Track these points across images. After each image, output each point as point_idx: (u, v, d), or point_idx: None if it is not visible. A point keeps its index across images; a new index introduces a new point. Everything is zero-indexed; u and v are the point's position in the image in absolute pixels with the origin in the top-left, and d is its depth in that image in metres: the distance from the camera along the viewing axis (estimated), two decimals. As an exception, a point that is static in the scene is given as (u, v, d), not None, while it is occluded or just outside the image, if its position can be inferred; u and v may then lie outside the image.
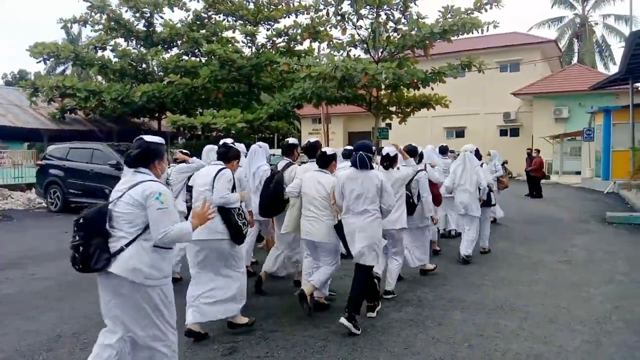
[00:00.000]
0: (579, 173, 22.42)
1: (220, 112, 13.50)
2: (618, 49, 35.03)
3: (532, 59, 27.70)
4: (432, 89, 13.78)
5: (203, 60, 16.32)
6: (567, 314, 4.91)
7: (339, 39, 14.89)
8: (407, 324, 4.63)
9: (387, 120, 17.21)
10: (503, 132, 28.70)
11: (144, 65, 16.85)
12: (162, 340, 3.06)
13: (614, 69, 31.37)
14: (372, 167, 4.68)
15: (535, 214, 11.93)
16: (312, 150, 5.41)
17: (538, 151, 18.32)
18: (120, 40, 17.00)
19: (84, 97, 15.50)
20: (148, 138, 3.24)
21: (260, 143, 6.12)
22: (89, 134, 18.30)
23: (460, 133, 29.62)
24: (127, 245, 2.96)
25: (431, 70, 13.12)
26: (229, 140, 4.62)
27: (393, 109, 15.50)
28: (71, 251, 2.97)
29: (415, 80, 12.68)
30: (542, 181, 16.74)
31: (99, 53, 16.64)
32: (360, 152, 4.67)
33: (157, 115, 17.70)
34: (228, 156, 4.50)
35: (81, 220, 2.95)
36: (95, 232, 2.95)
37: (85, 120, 18.22)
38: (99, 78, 20.11)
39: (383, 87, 13.48)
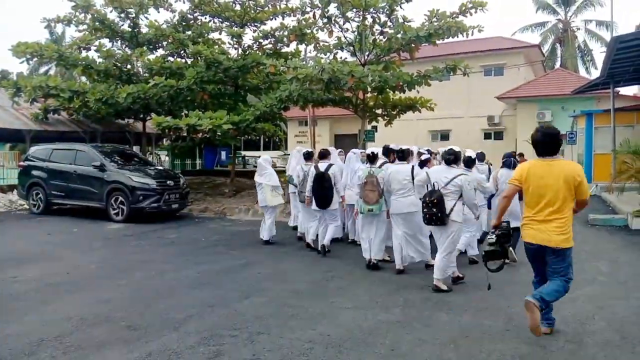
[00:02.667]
0: (562, 176, 22.67)
1: (206, 113, 13.36)
2: (599, 54, 35.65)
3: (515, 63, 28.01)
4: (418, 92, 13.84)
5: (189, 62, 16.15)
6: (551, 315, 4.96)
7: (326, 42, 14.87)
8: (394, 326, 4.64)
9: (374, 123, 17.26)
10: (487, 136, 28.95)
11: (128, 66, 16.63)
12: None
13: (595, 73, 31.86)
14: (515, 167, 6.76)
15: (520, 217, 12.04)
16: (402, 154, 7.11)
17: (522, 155, 18.48)
18: (105, 41, 16.75)
19: (68, 98, 15.24)
20: (456, 148, 6.02)
21: (355, 150, 8.56)
22: (72, 134, 18.08)
23: (445, 136, 29.82)
24: (453, 207, 5.71)
25: (417, 74, 13.18)
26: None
27: (379, 111, 15.53)
28: (427, 215, 5.73)
29: (401, 83, 12.70)
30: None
31: (83, 53, 16.42)
32: (511, 157, 7.62)
33: (141, 116, 17.53)
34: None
35: (435, 200, 5.63)
36: (442, 202, 5.64)
37: (69, 121, 17.95)
38: (83, 79, 19.84)
39: (369, 89, 13.50)
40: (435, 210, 5.63)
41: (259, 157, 33.09)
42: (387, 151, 7.69)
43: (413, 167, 6.79)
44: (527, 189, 4.24)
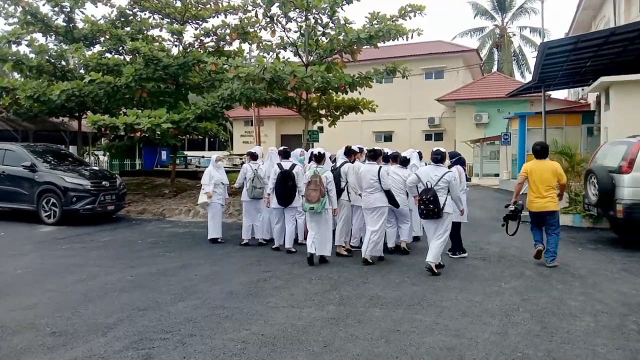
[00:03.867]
0: (497, 175, 23.65)
1: (145, 112, 12.97)
2: (532, 59, 37.43)
3: (455, 67, 28.98)
4: (360, 93, 14.02)
5: (127, 59, 15.66)
6: (479, 308, 5.16)
7: (269, 41, 14.80)
8: (328, 323, 4.68)
9: (318, 124, 17.34)
10: (428, 137, 29.80)
11: (63, 62, 15.96)
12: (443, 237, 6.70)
13: (529, 77, 33.44)
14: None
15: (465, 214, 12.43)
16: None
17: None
18: (38, 35, 16.03)
19: (-5, 95, 14.50)
20: (442, 149, 6.95)
21: (297, 149, 9.17)
22: (2, 133, 17.12)
23: (388, 137, 30.45)
24: (445, 200, 6.50)
25: (358, 75, 13.35)
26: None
27: (323, 112, 15.62)
28: (425, 211, 6.53)
29: (344, 84, 12.83)
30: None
31: (14, 48, 15.57)
32: (461, 156, 8.19)
33: (77, 114, 16.82)
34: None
35: (432, 198, 6.43)
36: (437, 198, 6.44)
37: (-2, 119, 17.03)
38: (16, 75, 18.80)
39: (313, 90, 13.55)
40: (432, 206, 6.45)
41: (203, 157, 32.40)
42: (348, 152, 8.07)
43: (380, 167, 7.27)
44: (531, 178, 6.96)
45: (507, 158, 21.58)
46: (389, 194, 7.13)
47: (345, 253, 7.82)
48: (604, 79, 11.80)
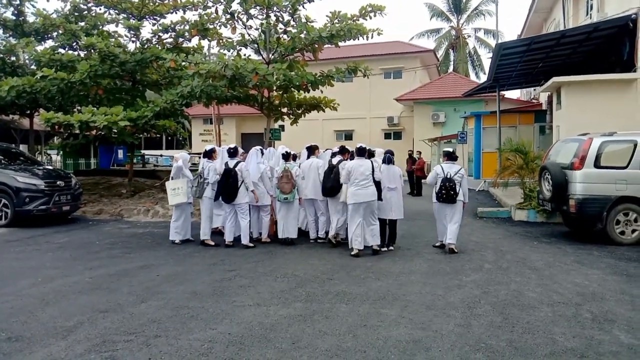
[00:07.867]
0: (455, 173, 24.13)
1: (101, 109, 12.58)
2: (487, 59, 38.49)
3: (413, 67, 29.48)
4: (322, 92, 14.07)
5: (82, 54, 15.16)
6: (442, 301, 5.28)
7: (229, 38, 14.65)
8: (295, 320, 4.68)
9: (280, 122, 17.28)
10: (387, 135, 30.21)
11: (12, 58, 15.34)
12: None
13: (484, 78, 34.35)
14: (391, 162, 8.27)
15: (415, 211, 12.60)
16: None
17: (420, 153, 19.53)
18: (-16, 29, 15.37)
19: (-62, 91, 13.72)
20: (451, 149, 8.29)
21: (257, 147, 8.99)
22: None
23: (348, 136, 30.68)
24: (458, 191, 7.79)
25: (320, 74, 13.39)
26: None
27: (285, 110, 15.59)
28: (445, 195, 7.71)
29: (305, 83, 12.84)
30: (423, 180, 17.83)
31: (-43, 41, 14.87)
32: (388, 154, 8.31)
33: (28, 112, 16.18)
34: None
35: (452, 185, 7.70)
36: (455, 187, 7.74)
37: (-59, 116, 16.19)
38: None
39: (274, 88, 13.50)
40: (452, 192, 7.70)
41: (161, 155, 31.58)
42: (342, 150, 8.76)
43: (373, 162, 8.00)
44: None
45: (464, 156, 22.09)
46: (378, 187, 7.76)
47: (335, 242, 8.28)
48: (555, 79, 12.26)
